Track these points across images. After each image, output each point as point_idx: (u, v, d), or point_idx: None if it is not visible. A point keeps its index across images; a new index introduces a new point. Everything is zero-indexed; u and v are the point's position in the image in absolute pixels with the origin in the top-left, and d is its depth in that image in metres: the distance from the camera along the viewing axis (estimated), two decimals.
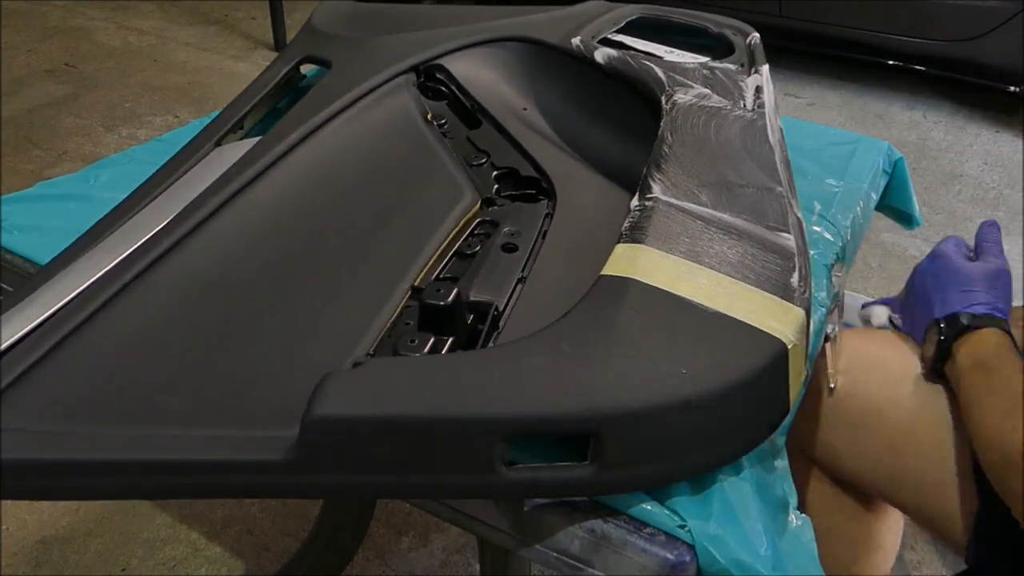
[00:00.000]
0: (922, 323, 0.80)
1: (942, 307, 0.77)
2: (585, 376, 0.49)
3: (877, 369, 0.83)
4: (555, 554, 0.54)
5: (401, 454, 0.47)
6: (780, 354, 0.52)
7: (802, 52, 2.99)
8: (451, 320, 0.57)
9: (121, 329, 0.56)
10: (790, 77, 3.01)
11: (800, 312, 0.55)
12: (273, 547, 1.35)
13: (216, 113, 0.85)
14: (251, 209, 0.66)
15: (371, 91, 0.81)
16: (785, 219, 0.64)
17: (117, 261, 0.60)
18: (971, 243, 0.84)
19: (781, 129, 0.78)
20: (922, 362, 0.80)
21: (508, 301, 0.61)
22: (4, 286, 0.73)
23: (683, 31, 1.00)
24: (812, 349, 0.71)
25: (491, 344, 0.58)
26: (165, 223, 0.63)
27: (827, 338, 0.79)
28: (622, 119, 0.85)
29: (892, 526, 0.93)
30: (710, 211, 0.64)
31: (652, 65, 0.84)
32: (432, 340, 0.56)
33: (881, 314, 0.91)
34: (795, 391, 0.56)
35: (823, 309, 0.75)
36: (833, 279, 0.79)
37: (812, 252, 0.74)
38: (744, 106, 0.79)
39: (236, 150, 0.74)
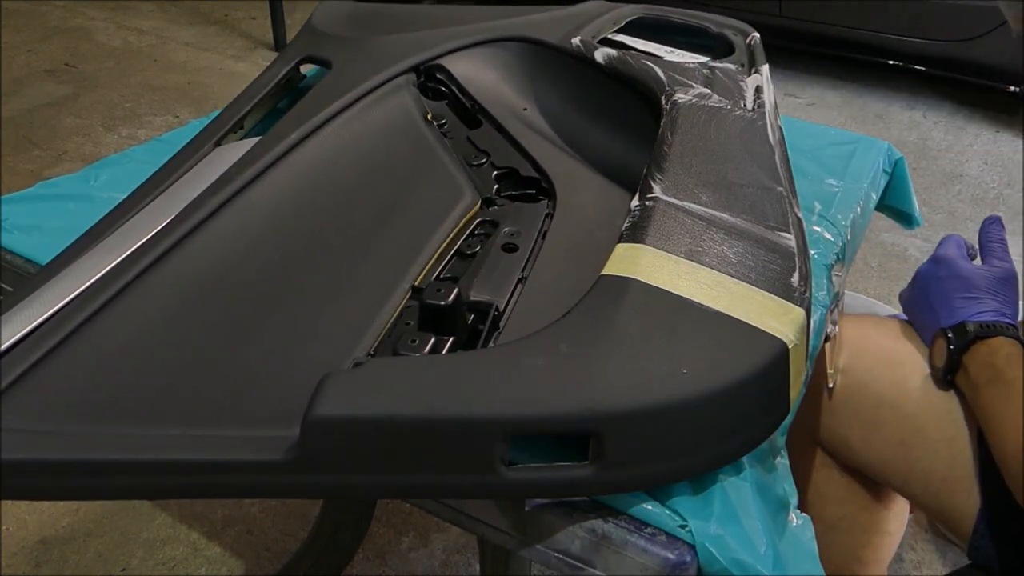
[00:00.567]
0: (927, 330, 0.79)
1: (948, 316, 0.75)
2: (585, 376, 0.49)
3: (889, 362, 0.83)
4: (556, 554, 0.54)
5: (401, 454, 0.47)
6: (781, 354, 0.52)
7: (802, 52, 2.99)
8: (451, 320, 0.57)
9: (121, 329, 0.56)
10: (790, 77, 3.01)
11: (801, 312, 0.55)
12: (273, 547, 1.35)
13: (216, 113, 0.85)
14: (251, 209, 0.66)
15: (371, 91, 0.81)
16: (785, 219, 0.64)
17: (117, 261, 0.60)
18: (974, 242, 0.84)
19: (781, 129, 0.78)
20: (931, 371, 0.79)
21: (508, 301, 0.61)
22: (4, 286, 0.73)
23: (683, 31, 1.00)
24: (812, 349, 0.71)
25: (491, 344, 0.58)
26: (165, 223, 0.63)
27: (827, 338, 0.79)
28: (622, 119, 0.85)
29: (899, 513, 0.94)
30: (710, 211, 0.64)
31: (652, 65, 0.84)
32: (432, 340, 0.56)
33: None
34: (795, 391, 0.56)
35: (823, 309, 0.75)
36: (833, 279, 0.79)
37: (812, 252, 0.74)
38: (744, 106, 0.79)
39: (236, 150, 0.74)
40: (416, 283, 0.64)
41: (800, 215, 0.67)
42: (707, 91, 0.80)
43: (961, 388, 0.75)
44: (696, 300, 0.54)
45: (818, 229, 0.84)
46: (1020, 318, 0.78)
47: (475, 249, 0.68)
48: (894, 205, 1.07)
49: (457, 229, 0.70)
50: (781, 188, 0.68)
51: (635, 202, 0.64)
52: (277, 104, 0.92)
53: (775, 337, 0.53)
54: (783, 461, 0.60)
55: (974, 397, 0.72)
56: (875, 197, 0.98)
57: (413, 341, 0.55)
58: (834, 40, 2.86)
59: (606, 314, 0.53)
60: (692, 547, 0.51)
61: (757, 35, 0.96)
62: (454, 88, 0.88)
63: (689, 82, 0.82)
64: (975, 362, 0.72)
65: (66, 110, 2.70)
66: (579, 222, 0.72)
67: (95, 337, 0.54)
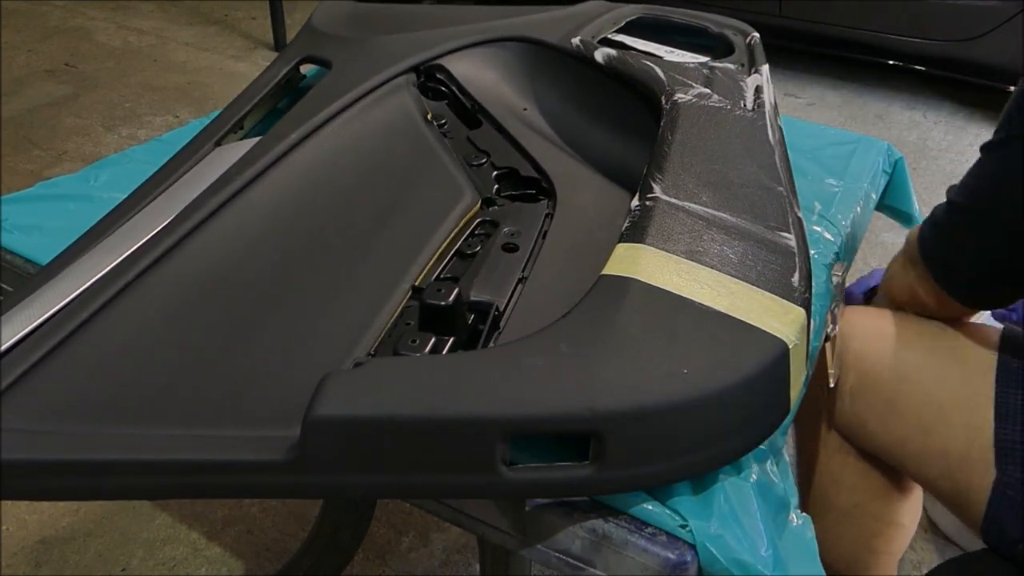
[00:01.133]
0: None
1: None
2: (586, 376, 0.49)
3: (905, 343, 0.83)
4: (556, 554, 0.54)
5: (402, 454, 0.47)
6: (781, 354, 0.52)
7: (802, 52, 2.98)
8: (452, 320, 0.57)
9: (121, 329, 0.56)
10: (790, 77, 3.01)
11: (801, 312, 0.55)
12: (273, 547, 1.35)
13: (216, 113, 0.85)
14: (251, 209, 0.66)
15: (371, 91, 0.81)
16: (785, 219, 0.64)
17: (117, 262, 0.60)
18: None
19: (781, 129, 0.78)
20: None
21: (508, 301, 0.61)
22: (4, 286, 0.73)
23: (683, 31, 1.00)
24: (812, 349, 0.71)
25: (492, 344, 0.58)
26: (165, 223, 0.63)
27: (827, 337, 0.79)
28: (622, 119, 0.85)
29: (913, 506, 0.94)
30: (710, 211, 0.64)
31: (652, 65, 0.84)
32: (433, 340, 0.56)
33: None
34: (796, 391, 0.56)
35: (823, 309, 0.75)
36: (833, 279, 0.79)
37: (812, 252, 0.74)
38: (744, 106, 0.79)
39: (236, 150, 0.74)
40: (416, 283, 0.64)
41: (800, 215, 0.67)
42: (707, 91, 0.80)
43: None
44: (696, 300, 0.54)
45: (818, 229, 0.84)
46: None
47: (475, 249, 0.68)
48: (894, 205, 1.07)
49: (457, 229, 0.70)
50: (781, 188, 0.68)
51: (635, 202, 0.64)
52: (277, 104, 0.92)
53: (775, 337, 0.52)
54: (783, 461, 0.60)
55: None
56: (875, 197, 0.98)
57: (413, 341, 0.55)
58: (834, 40, 2.85)
59: (606, 314, 0.53)
60: (692, 547, 0.51)
61: (757, 35, 0.96)
62: (454, 88, 0.88)
63: (689, 82, 0.82)
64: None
65: (66, 110, 2.70)
66: (579, 222, 0.72)
67: (95, 337, 0.54)
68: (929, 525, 1.36)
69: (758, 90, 0.83)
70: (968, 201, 0.76)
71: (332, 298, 0.62)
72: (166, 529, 1.37)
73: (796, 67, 3.05)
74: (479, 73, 0.90)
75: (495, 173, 0.78)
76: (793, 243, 0.62)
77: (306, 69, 0.97)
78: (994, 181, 0.73)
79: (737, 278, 0.57)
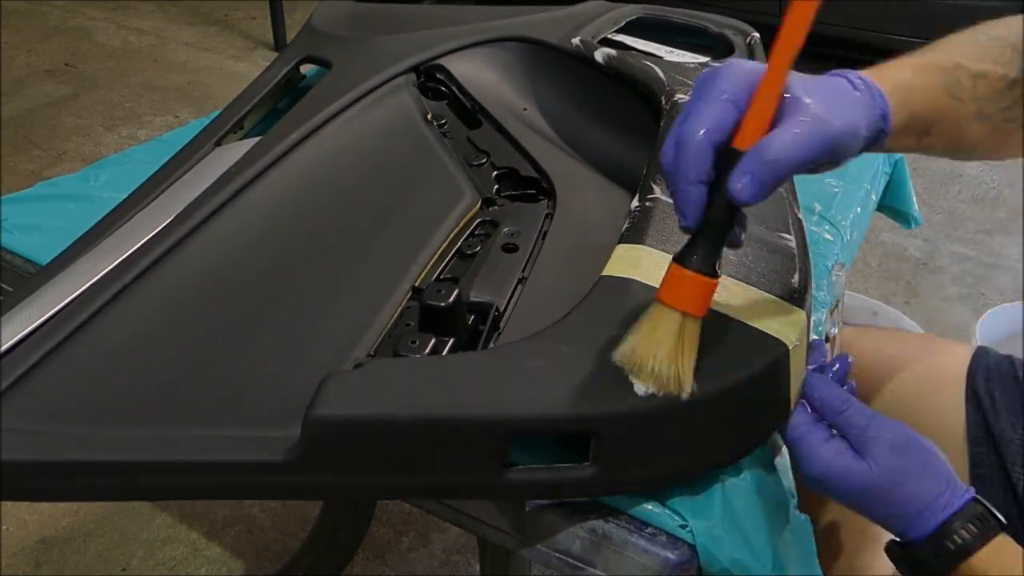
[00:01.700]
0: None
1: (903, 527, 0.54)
2: (586, 377, 0.49)
3: (897, 372, 0.83)
4: (556, 554, 0.54)
5: (402, 455, 0.47)
6: (781, 355, 0.52)
7: (802, 52, 2.98)
8: (452, 321, 0.57)
9: (121, 330, 0.56)
10: None
11: (801, 313, 0.55)
12: (273, 547, 1.35)
13: (216, 113, 0.85)
14: (251, 209, 0.66)
15: (371, 91, 0.81)
16: (785, 220, 0.64)
17: (117, 262, 0.60)
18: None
19: None
20: None
21: (508, 302, 0.61)
22: (4, 286, 0.73)
23: (683, 31, 1.00)
24: None
25: (492, 345, 0.58)
26: (165, 223, 0.63)
27: (827, 338, 0.79)
28: (622, 119, 0.85)
29: None
30: None
31: (652, 65, 0.84)
32: (433, 341, 0.56)
33: None
34: (795, 391, 0.56)
35: (823, 309, 0.75)
36: (833, 279, 0.79)
37: (812, 252, 0.74)
38: None
39: (236, 150, 0.74)
40: (416, 283, 0.64)
41: (800, 216, 0.67)
42: None
43: None
44: None
45: (818, 229, 0.84)
46: None
47: (475, 249, 0.68)
48: (894, 205, 1.07)
49: (457, 229, 0.70)
50: (781, 188, 0.68)
51: (635, 203, 0.64)
52: (277, 104, 0.92)
53: (775, 338, 0.52)
54: (783, 461, 0.60)
55: None
56: (875, 198, 0.98)
57: (413, 342, 0.55)
58: (834, 40, 2.85)
59: (607, 315, 0.53)
60: (692, 547, 0.51)
61: (757, 35, 0.96)
62: (454, 88, 0.88)
63: (689, 82, 0.82)
64: None
65: (66, 110, 2.70)
66: (579, 222, 0.72)
67: (95, 338, 0.54)
68: None
69: None
70: None
71: (332, 298, 0.62)
72: (166, 529, 1.37)
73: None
74: (479, 73, 0.90)
75: (495, 173, 0.78)
76: (793, 244, 0.62)
77: (306, 69, 0.97)
78: None
79: (737, 279, 0.57)
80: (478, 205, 0.74)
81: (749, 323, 0.53)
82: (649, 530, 0.52)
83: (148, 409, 0.52)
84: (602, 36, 0.93)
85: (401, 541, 1.36)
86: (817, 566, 0.56)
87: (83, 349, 0.54)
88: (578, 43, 0.89)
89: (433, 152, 0.79)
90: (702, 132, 0.45)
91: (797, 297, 0.57)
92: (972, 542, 0.51)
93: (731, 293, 0.55)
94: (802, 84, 0.49)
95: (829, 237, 0.84)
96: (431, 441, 0.47)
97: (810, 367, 0.57)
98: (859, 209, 0.91)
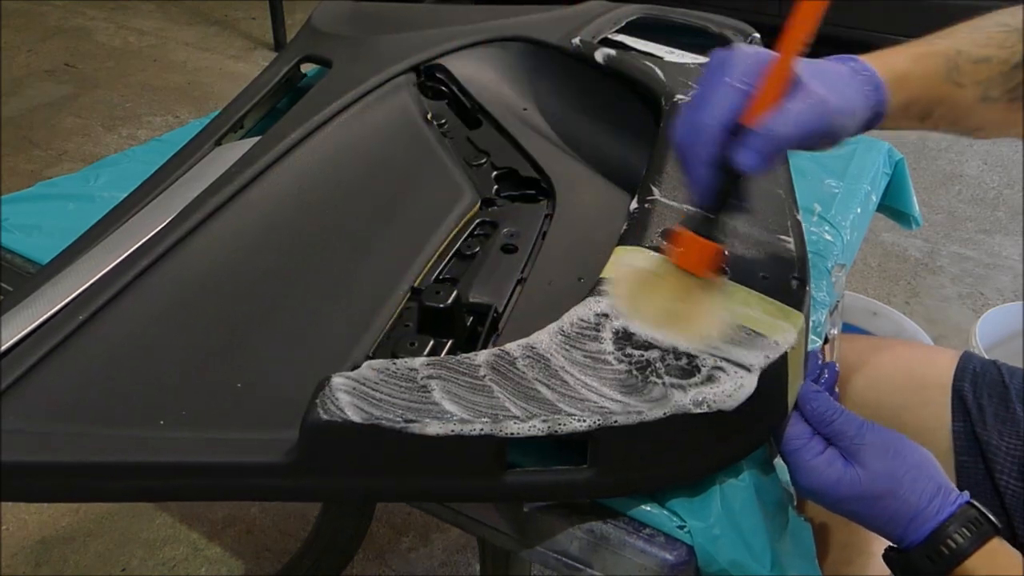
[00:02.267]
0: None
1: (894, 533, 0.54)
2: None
3: (882, 383, 0.82)
4: (555, 555, 0.54)
5: (400, 458, 0.47)
6: (778, 357, 0.52)
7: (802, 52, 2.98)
8: (450, 322, 0.57)
9: (120, 331, 0.56)
10: None
11: (799, 316, 0.55)
12: (273, 547, 1.35)
13: (216, 113, 0.85)
14: (251, 209, 0.66)
15: (371, 91, 0.81)
16: (784, 222, 0.64)
17: (117, 262, 0.60)
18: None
19: None
20: None
21: (507, 303, 0.61)
22: (4, 286, 0.73)
23: (684, 31, 1.00)
24: (811, 350, 0.71)
25: (490, 346, 0.58)
26: (165, 223, 0.63)
27: (826, 339, 0.79)
28: (622, 119, 0.85)
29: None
30: None
31: (652, 65, 0.84)
32: (431, 343, 0.56)
33: None
34: (793, 394, 0.56)
35: (823, 310, 0.75)
36: (833, 280, 0.79)
37: (812, 253, 0.74)
38: None
39: (236, 150, 0.74)
40: (415, 284, 0.64)
41: (799, 218, 0.67)
42: None
43: None
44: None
45: (818, 230, 0.84)
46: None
47: (474, 250, 0.67)
48: (894, 206, 1.07)
49: (457, 229, 0.70)
50: (780, 191, 0.67)
51: (634, 204, 0.64)
52: (277, 103, 0.92)
53: (773, 340, 0.52)
54: (781, 462, 0.60)
55: None
56: (875, 198, 0.98)
57: (412, 343, 0.55)
58: (834, 40, 2.85)
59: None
60: (690, 548, 0.51)
61: (757, 35, 0.96)
62: (454, 88, 0.88)
63: (689, 83, 0.82)
64: None
65: (66, 110, 2.70)
66: (579, 223, 0.72)
67: (94, 338, 0.54)
68: None
69: None
70: None
71: (331, 299, 0.62)
72: (166, 529, 1.37)
73: None
74: (479, 73, 0.90)
75: (495, 173, 0.78)
76: (792, 246, 0.62)
77: (306, 69, 0.97)
78: None
79: (735, 281, 0.57)
80: (477, 205, 0.74)
81: (747, 326, 0.53)
82: (647, 531, 0.52)
83: (146, 410, 0.52)
84: (602, 36, 0.93)
85: (401, 541, 1.36)
86: (816, 566, 0.56)
87: (82, 349, 0.54)
88: (578, 43, 0.89)
89: (433, 152, 0.79)
90: (714, 117, 0.50)
91: (796, 300, 0.57)
92: (966, 547, 0.51)
93: (730, 295, 0.55)
94: (804, 67, 0.52)
95: (829, 238, 0.84)
96: (428, 444, 0.47)
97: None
98: (859, 210, 0.91)
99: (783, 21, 0.49)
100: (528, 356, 0.50)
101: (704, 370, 0.50)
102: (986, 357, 0.80)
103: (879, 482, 0.52)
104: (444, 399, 0.47)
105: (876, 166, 0.99)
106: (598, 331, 0.51)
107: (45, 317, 0.55)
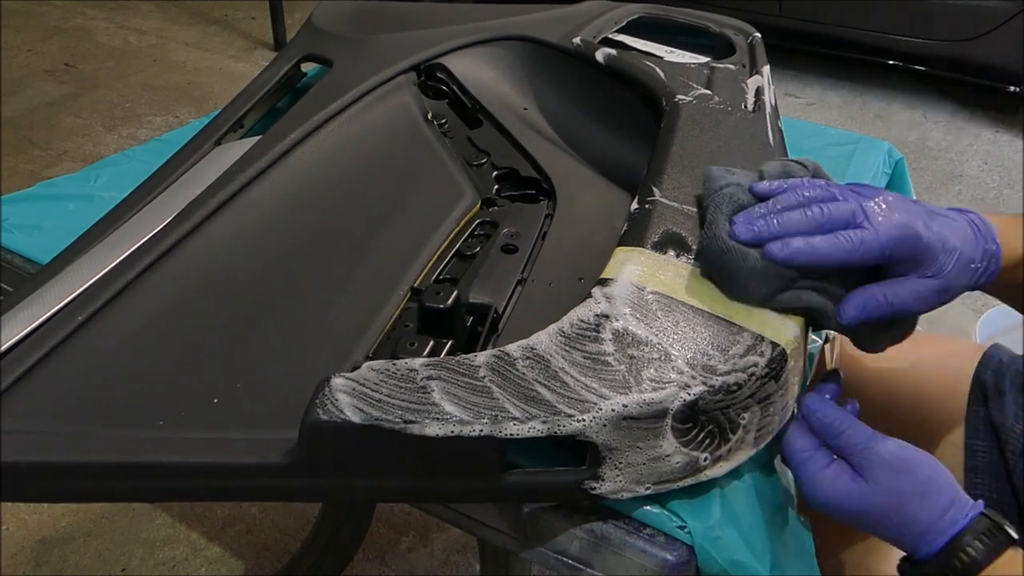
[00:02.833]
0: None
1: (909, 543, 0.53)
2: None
3: (905, 374, 0.82)
4: (555, 555, 0.54)
5: (399, 459, 0.47)
6: (778, 358, 0.52)
7: (802, 52, 2.98)
8: (450, 323, 0.57)
9: (120, 331, 0.55)
10: (790, 77, 3.00)
11: (799, 317, 0.55)
12: (273, 547, 1.35)
13: (216, 113, 0.85)
14: (251, 208, 0.66)
15: (372, 90, 0.81)
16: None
17: (117, 262, 0.60)
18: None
19: (781, 131, 0.78)
20: None
21: (507, 303, 0.61)
22: (4, 286, 0.73)
23: (684, 31, 1.00)
24: (812, 351, 0.71)
25: (490, 347, 0.58)
26: (165, 223, 0.63)
27: (827, 339, 0.78)
28: (623, 119, 0.85)
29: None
30: None
31: (653, 65, 0.84)
32: (431, 343, 0.56)
33: None
34: (792, 394, 0.56)
35: None
36: None
37: None
38: (745, 107, 0.79)
39: (236, 149, 0.74)
40: (415, 284, 0.64)
41: None
42: (708, 92, 0.80)
43: None
44: (695, 304, 0.54)
45: None
46: None
47: (475, 250, 0.67)
48: None
49: (457, 230, 0.70)
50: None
51: (634, 205, 0.64)
52: (277, 103, 0.92)
53: (773, 342, 0.52)
54: (781, 463, 0.60)
55: None
56: None
57: (412, 344, 0.55)
58: (834, 40, 2.85)
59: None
60: (691, 548, 0.51)
61: (758, 35, 0.96)
62: (455, 87, 0.88)
63: (690, 83, 0.81)
64: None
65: (66, 110, 2.70)
66: (579, 223, 0.71)
67: (94, 338, 0.54)
68: None
69: (759, 91, 0.83)
70: None
71: (331, 299, 0.62)
72: (166, 529, 1.37)
73: (796, 67, 3.05)
74: (480, 72, 0.90)
75: (495, 173, 0.78)
76: None
77: (307, 68, 0.97)
78: None
79: None
80: (478, 205, 0.74)
81: (746, 326, 0.53)
82: (647, 531, 0.52)
83: (146, 410, 0.52)
84: (603, 36, 0.93)
85: (401, 541, 1.36)
86: (816, 566, 0.56)
87: (82, 350, 0.54)
88: (579, 43, 0.89)
89: (433, 152, 0.79)
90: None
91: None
92: (981, 559, 0.50)
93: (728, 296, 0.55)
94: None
95: None
96: (428, 445, 0.46)
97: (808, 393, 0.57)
98: None
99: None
100: (528, 357, 0.50)
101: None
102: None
103: (888, 499, 0.52)
104: (444, 400, 0.47)
105: (876, 166, 0.99)
106: (598, 332, 0.51)
107: (45, 317, 0.55)
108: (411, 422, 0.46)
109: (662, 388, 0.48)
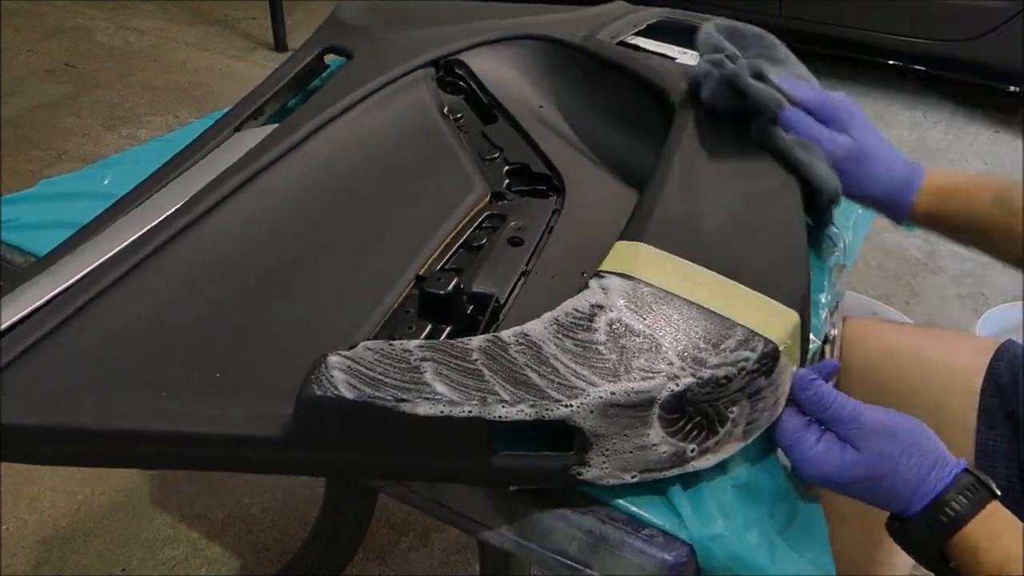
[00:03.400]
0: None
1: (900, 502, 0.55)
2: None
3: (890, 357, 0.83)
4: (554, 555, 0.54)
5: (390, 436, 0.48)
6: (770, 354, 0.52)
7: (802, 52, 2.98)
8: (449, 309, 0.58)
9: (128, 307, 0.57)
10: None
11: (794, 314, 0.56)
12: (273, 547, 1.35)
13: (217, 114, 0.85)
14: (266, 194, 0.67)
15: (390, 83, 0.82)
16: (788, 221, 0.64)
17: (128, 242, 0.61)
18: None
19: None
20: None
21: (510, 294, 0.61)
22: (5, 285, 0.73)
23: None
24: (812, 351, 0.71)
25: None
26: (180, 204, 0.64)
27: (826, 339, 0.79)
28: (635, 120, 0.85)
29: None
30: (711, 212, 0.64)
31: (665, 66, 0.85)
32: (429, 327, 0.57)
33: None
34: (784, 391, 0.56)
35: (823, 311, 0.75)
36: (833, 280, 0.79)
37: (812, 253, 0.74)
38: None
39: (254, 136, 0.75)
40: (420, 272, 0.64)
41: (801, 217, 0.67)
42: None
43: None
44: (691, 299, 0.54)
45: (818, 230, 0.84)
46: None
47: (481, 241, 0.68)
48: None
49: (465, 221, 0.71)
50: (783, 190, 0.68)
51: (639, 201, 0.65)
52: (298, 93, 0.92)
53: (766, 338, 0.53)
54: (777, 458, 0.60)
55: None
56: None
57: (410, 327, 0.56)
58: (834, 40, 2.86)
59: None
60: (690, 547, 0.51)
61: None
62: (472, 83, 0.88)
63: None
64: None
65: (66, 110, 2.70)
66: (586, 219, 0.72)
67: (102, 314, 0.55)
68: None
69: None
70: None
71: (337, 284, 0.63)
72: (166, 529, 1.37)
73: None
74: (497, 69, 0.90)
75: (506, 168, 0.79)
76: (792, 246, 0.62)
77: (328, 60, 0.97)
78: None
79: (733, 279, 0.57)
80: (487, 198, 0.74)
81: (741, 322, 0.53)
82: (646, 531, 0.52)
83: (151, 382, 0.53)
84: (620, 38, 0.93)
85: (401, 541, 1.36)
86: (828, 552, 0.56)
87: (90, 324, 0.55)
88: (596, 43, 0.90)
89: (447, 145, 0.79)
90: None
91: (793, 299, 0.57)
92: (964, 513, 0.53)
93: (726, 292, 0.55)
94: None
95: (829, 238, 0.84)
96: (419, 423, 0.47)
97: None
98: (860, 211, 0.90)
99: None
100: (520, 343, 0.50)
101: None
102: None
103: (876, 464, 0.54)
104: (436, 380, 0.48)
105: None
106: (592, 321, 0.52)
107: (55, 292, 0.56)
108: (403, 400, 0.47)
109: (651, 378, 0.49)
